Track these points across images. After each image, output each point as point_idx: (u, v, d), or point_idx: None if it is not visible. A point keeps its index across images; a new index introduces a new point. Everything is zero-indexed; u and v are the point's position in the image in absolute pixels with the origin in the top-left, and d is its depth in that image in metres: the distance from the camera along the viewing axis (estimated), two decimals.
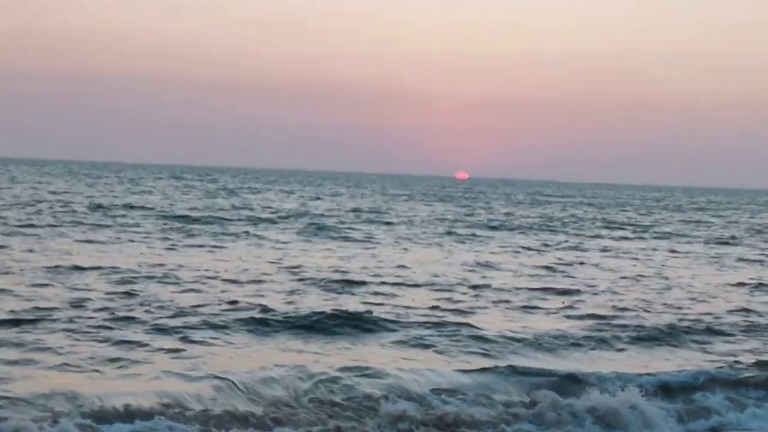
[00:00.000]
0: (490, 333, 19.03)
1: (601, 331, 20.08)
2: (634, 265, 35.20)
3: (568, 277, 30.27)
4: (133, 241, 35.48)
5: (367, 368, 15.41)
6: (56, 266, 26.14)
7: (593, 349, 18.50)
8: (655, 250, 43.75)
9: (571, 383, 15.32)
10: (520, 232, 51.87)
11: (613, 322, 21.34)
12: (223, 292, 23.09)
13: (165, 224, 44.34)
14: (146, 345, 16.41)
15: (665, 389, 15.37)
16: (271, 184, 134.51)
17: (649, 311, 23.36)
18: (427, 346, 17.68)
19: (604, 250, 42.34)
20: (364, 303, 22.27)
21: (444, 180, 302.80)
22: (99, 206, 55.65)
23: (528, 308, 23.09)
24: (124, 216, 48.46)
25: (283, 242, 38.46)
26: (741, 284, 30.65)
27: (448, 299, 23.67)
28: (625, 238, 51.21)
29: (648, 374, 16.21)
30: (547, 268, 32.79)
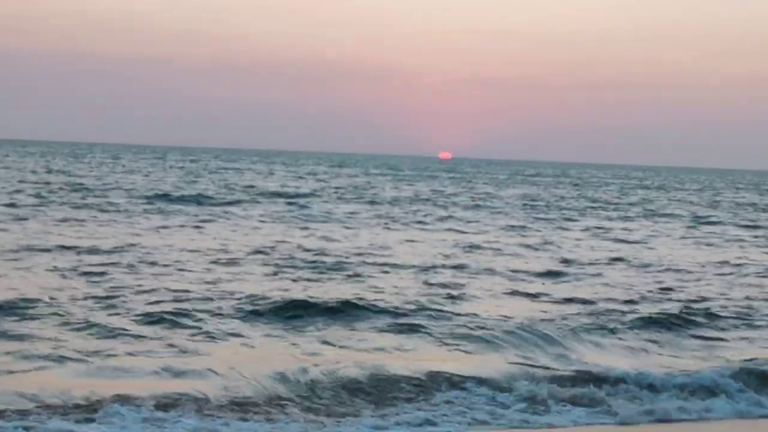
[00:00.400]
0: (484, 317, 18.40)
1: (598, 316, 19.28)
2: (620, 247, 34.79)
3: (555, 258, 29.96)
4: (115, 221, 35.13)
5: (365, 358, 14.93)
6: (32, 246, 25.82)
7: (593, 336, 17.61)
8: (638, 229, 43.55)
9: (591, 381, 14.35)
10: (504, 212, 51.60)
11: (609, 306, 20.61)
12: (205, 273, 22.66)
13: (146, 204, 43.99)
14: (131, 333, 15.71)
15: (690, 389, 14.29)
16: (254, 164, 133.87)
17: (641, 294, 22.82)
18: (421, 333, 17.02)
19: (589, 229, 42.07)
20: (352, 287, 21.69)
21: (427, 160, 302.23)
22: (81, 186, 55.22)
23: (518, 291, 22.47)
24: (106, 196, 48.06)
25: (265, 222, 38.13)
26: (725, 263, 30.52)
27: (437, 283, 22.97)
28: (610, 218, 50.98)
29: (668, 372, 15.17)
30: (534, 248, 32.54)
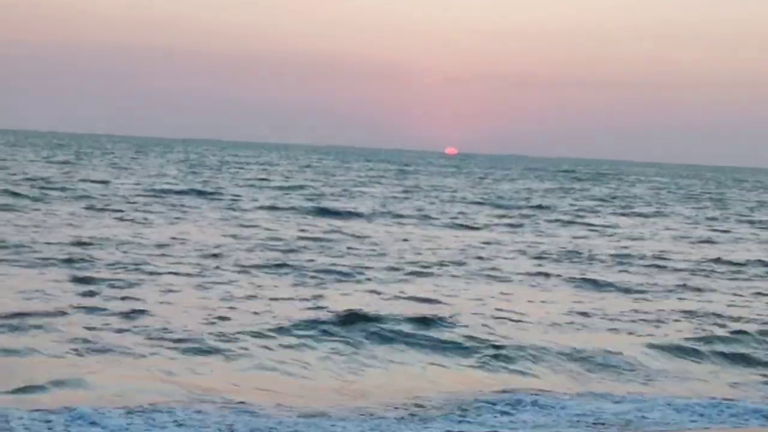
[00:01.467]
0: (516, 331, 16.77)
1: (640, 337, 17.23)
2: (642, 247, 33.59)
3: (574, 259, 29.05)
4: (139, 220, 34.26)
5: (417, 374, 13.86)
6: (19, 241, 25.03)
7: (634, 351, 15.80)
8: (647, 226, 42.78)
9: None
10: (508, 208, 50.70)
11: (646, 322, 18.67)
12: (222, 278, 21.38)
13: (153, 197, 43.22)
14: (163, 355, 13.87)
15: None
16: (256, 158, 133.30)
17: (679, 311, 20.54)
18: (453, 346, 15.49)
19: (597, 227, 41.19)
20: (369, 294, 20.18)
21: (433, 155, 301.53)
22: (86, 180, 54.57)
23: (546, 301, 20.68)
24: (107, 188, 47.34)
25: (271, 218, 37.30)
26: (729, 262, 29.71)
27: (451, 294, 21.02)
28: (623, 214, 50.29)
29: None
30: (541, 245, 31.69)
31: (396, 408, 11.85)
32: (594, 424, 11.74)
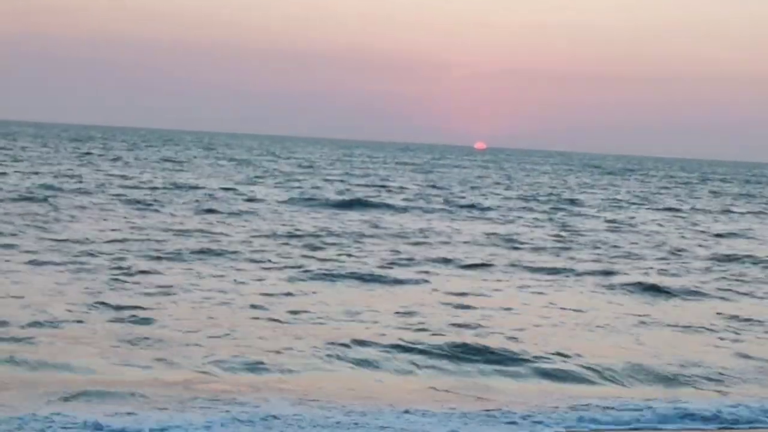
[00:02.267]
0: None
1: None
2: (677, 243, 33.17)
3: (603, 256, 28.56)
4: (166, 214, 33.97)
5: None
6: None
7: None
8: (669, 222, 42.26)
9: None
10: (539, 202, 50.17)
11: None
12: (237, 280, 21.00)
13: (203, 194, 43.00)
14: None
15: None
16: (287, 151, 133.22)
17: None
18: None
19: (628, 222, 40.63)
20: (415, 298, 18.99)
21: (462, 149, 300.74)
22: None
23: (591, 305, 19.53)
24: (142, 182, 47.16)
25: (306, 213, 36.99)
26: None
27: (492, 294, 19.98)
28: (654, 209, 49.72)
29: None
30: (573, 240, 31.23)
31: (477, 411, 11.53)
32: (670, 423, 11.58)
